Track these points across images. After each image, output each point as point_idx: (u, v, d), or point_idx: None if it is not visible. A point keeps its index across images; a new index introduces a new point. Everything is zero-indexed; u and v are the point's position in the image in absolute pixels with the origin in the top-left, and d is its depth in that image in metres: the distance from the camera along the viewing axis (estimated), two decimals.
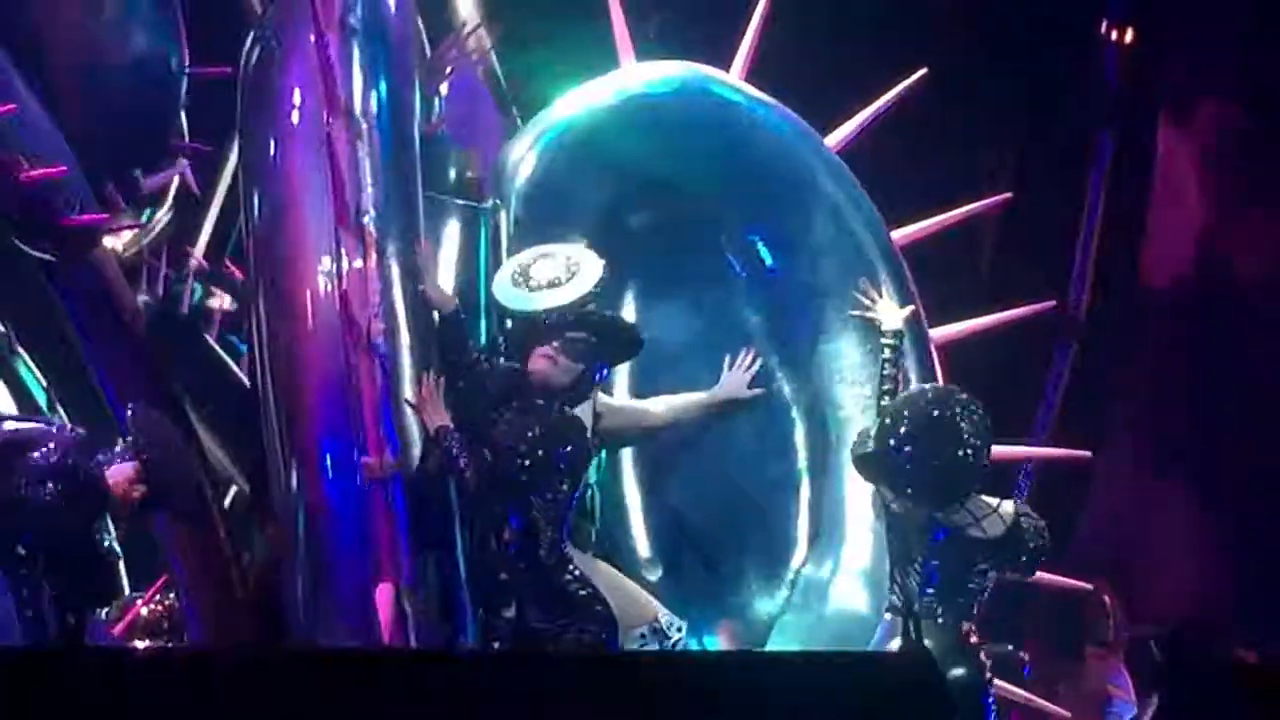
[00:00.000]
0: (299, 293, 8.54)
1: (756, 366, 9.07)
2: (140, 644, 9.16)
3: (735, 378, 9.04)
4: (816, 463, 9.37)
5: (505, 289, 8.60)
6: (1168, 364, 11.71)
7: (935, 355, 9.42)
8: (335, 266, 8.45)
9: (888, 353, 8.55)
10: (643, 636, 8.43)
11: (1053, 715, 9.41)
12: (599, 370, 8.53)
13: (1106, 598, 10.03)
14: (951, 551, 8.31)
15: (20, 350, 9.64)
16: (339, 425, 8.43)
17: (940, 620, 8.36)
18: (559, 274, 8.61)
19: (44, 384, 9.65)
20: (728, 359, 9.06)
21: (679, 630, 8.54)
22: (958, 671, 8.35)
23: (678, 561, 9.24)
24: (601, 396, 8.75)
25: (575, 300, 8.52)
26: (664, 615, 8.54)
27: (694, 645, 9.07)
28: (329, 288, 8.46)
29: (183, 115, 9.48)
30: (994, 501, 8.37)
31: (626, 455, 9.37)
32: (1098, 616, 10.11)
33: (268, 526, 8.87)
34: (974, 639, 8.53)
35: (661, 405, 8.98)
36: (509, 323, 8.71)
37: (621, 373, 9.33)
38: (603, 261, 8.68)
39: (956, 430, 8.19)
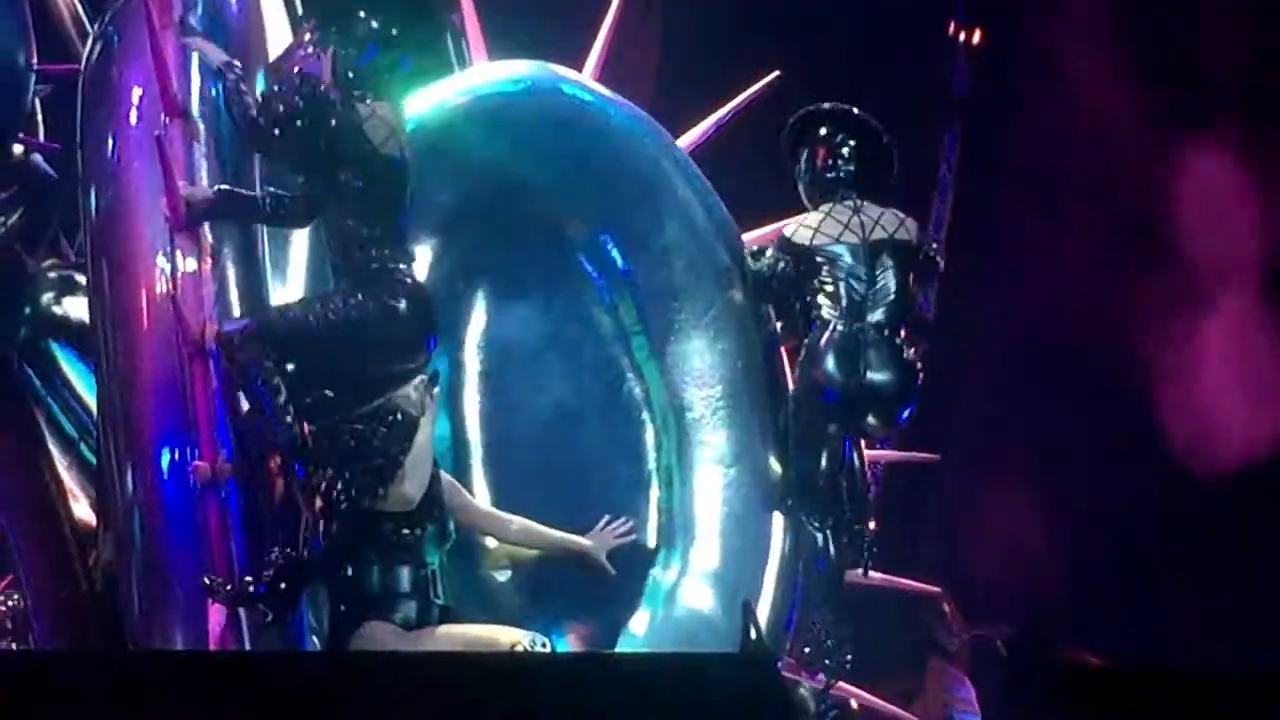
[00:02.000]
0: (134, 295, 8.45)
1: (631, 539, 9.13)
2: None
3: (604, 538, 9.10)
4: (666, 465, 9.39)
5: None
6: (1006, 368, 11.81)
7: (786, 359, 9.45)
8: (170, 268, 8.34)
9: None
10: None
11: (897, 717, 9.45)
12: None
13: (946, 605, 10.07)
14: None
15: None
16: (173, 428, 8.33)
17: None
18: None
19: None
20: (604, 520, 9.08)
21: (544, 646, 8.47)
22: None
23: (529, 569, 9.15)
24: (461, 495, 8.77)
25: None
26: (525, 638, 8.47)
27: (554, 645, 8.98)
28: (164, 290, 8.35)
29: (39, 111, 9.35)
30: None
31: (476, 452, 9.27)
32: (938, 625, 10.14)
33: (113, 526, 8.70)
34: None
35: (517, 526, 8.99)
36: None
37: (472, 376, 9.32)
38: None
39: None
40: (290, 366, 8.27)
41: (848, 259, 9.16)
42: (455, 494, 8.81)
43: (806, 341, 9.21)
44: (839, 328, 9.11)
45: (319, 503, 8.36)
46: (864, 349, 9.11)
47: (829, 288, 9.14)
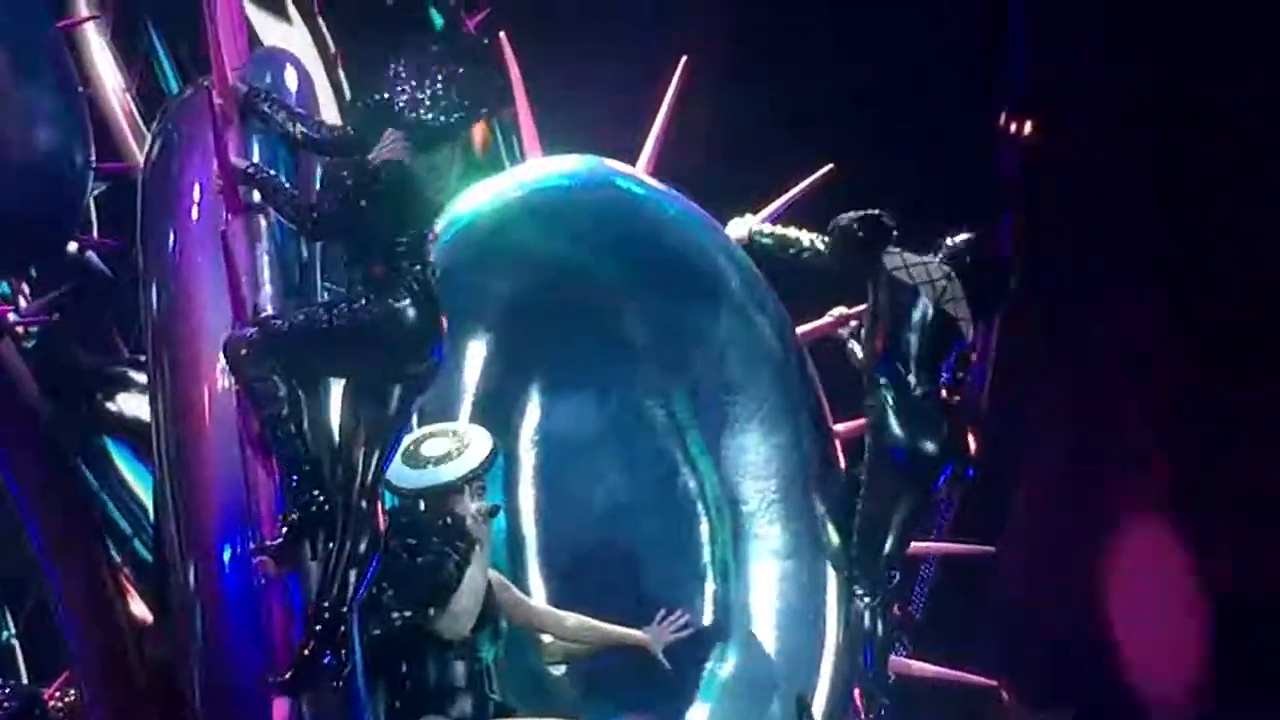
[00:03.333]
0: (196, 389, 8.38)
1: (687, 632, 9.12)
2: None
3: (660, 632, 9.12)
4: (721, 558, 9.43)
5: (395, 467, 8.51)
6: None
7: (839, 447, 9.47)
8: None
9: None
10: None
11: None
12: None
13: (1005, 694, 10.04)
14: None
15: None
16: (235, 522, 8.23)
17: None
18: (449, 449, 8.67)
19: None
20: (661, 613, 9.09)
21: None
22: None
23: (587, 660, 9.14)
24: (514, 593, 8.81)
25: (464, 475, 8.60)
26: None
27: None
28: (226, 385, 8.28)
29: (93, 206, 9.45)
30: None
31: (532, 546, 9.34)
32: (998, 710, 10.13)
33: (167, 619, 8.64)
34: None
35: (573, 621, 9.00)
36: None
37: (527, 470, 9.39)
38: (491, 440, 8.74)
39: None
40: (296, 380, 8.15)
41: (918, 314, 9.15)
42: (507, 591, 8.87)
43: (870, 404, 9.19)
44: (904, 393, 9.12)
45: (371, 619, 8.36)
46: (931, 412, 9.11)
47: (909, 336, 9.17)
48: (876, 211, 9.24)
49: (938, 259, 9.28)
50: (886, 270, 9.20)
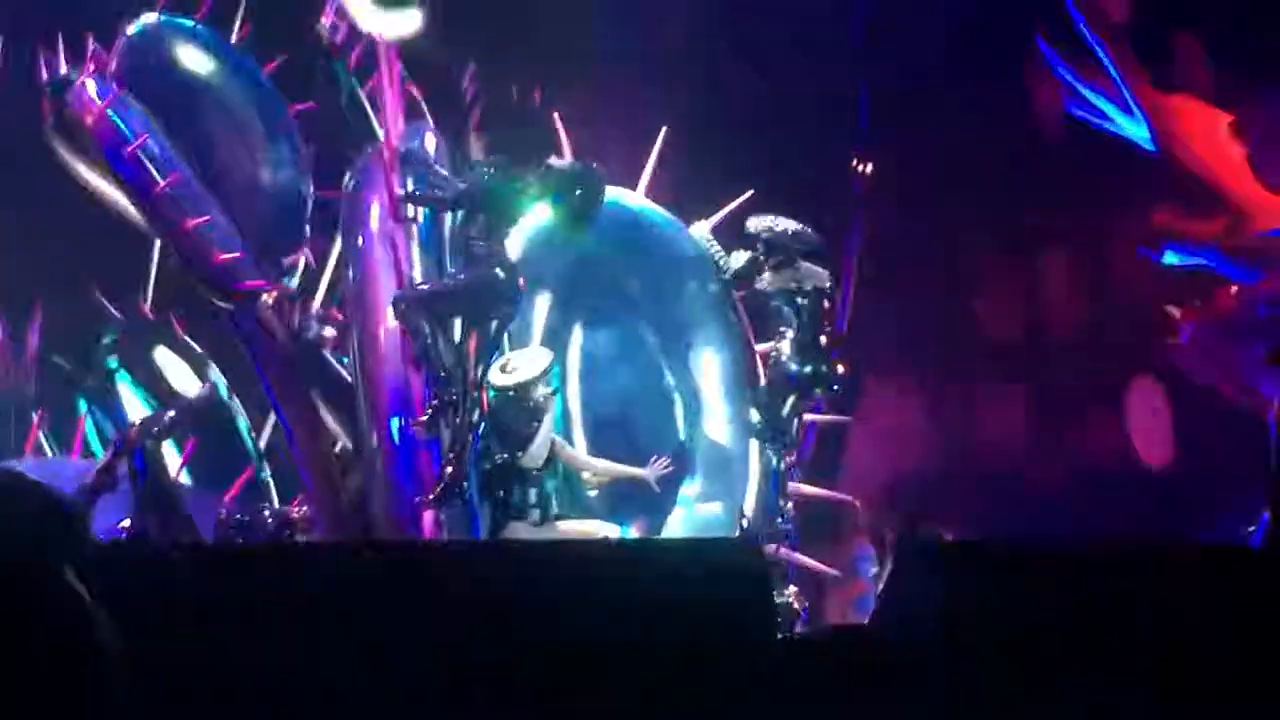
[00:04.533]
0: (376, 330, 8.89)
1: (669, 470, 9.08)
2: (300, 537, 9.00)
3: (654, 470, 9.05)
4: (689, 425, 9.54)
5: (494, 374, 8.69)
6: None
7: (759, 359, 9.38)
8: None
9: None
10: None
11: (824, 572, 9.60)
12: None
13: (856, 503, 10.10)
14: None
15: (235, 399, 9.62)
16: (400, 407, 8.76)
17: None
18: (528, 359, 8.87)
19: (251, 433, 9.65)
20: (654, 458, 9.04)
21: (619, 533, 8.75)
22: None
23: (611, 486, 9.25)
24: (567, 449, 8.92)
25: (536, 375, 8.72)
26: (610, 529, 8.79)
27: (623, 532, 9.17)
28: (393, 325, 8.80)
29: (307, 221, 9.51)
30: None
31: (576, 419, 9.40)
32: (852, 511, 10.19)
33: (361, 461, 9.07)
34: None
35: (601, 464, 9.08)
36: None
37: (573, 377, 9.43)
38: (551, 355, 8.84)
39: None
40: (436, 321, 8.41)
41: (794, 301, 9.18)
42: (563, 449, 8.95)
43: (775, 347, 9.22)
44: (794, 339, 9.15)
45: (485, 463, 8.60)
46: (811, 351, 9.14)
47: (786, 311, 9.15)
48: (745, 258, 9.26)
49: (789, 270, 9.19)
50: (762, 291, 9.29)
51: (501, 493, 8.68)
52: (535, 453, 8.66)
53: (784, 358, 9.15)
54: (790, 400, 9.13)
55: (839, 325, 9.45)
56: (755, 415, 9.31)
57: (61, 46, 8.95)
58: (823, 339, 9.18)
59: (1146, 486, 11.38)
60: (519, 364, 8.80)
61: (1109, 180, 11.43)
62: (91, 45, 8.99)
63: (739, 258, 9.25)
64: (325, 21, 9.04)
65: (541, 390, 8.71)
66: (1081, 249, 12.04)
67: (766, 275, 9.23)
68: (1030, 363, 12.07)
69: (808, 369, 9.09)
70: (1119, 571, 5.48)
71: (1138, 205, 11.19)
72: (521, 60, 9.92)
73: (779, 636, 6.56)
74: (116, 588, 4.26)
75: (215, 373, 9.67)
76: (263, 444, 9.72)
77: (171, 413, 9.01)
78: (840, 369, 9.19)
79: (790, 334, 9.15)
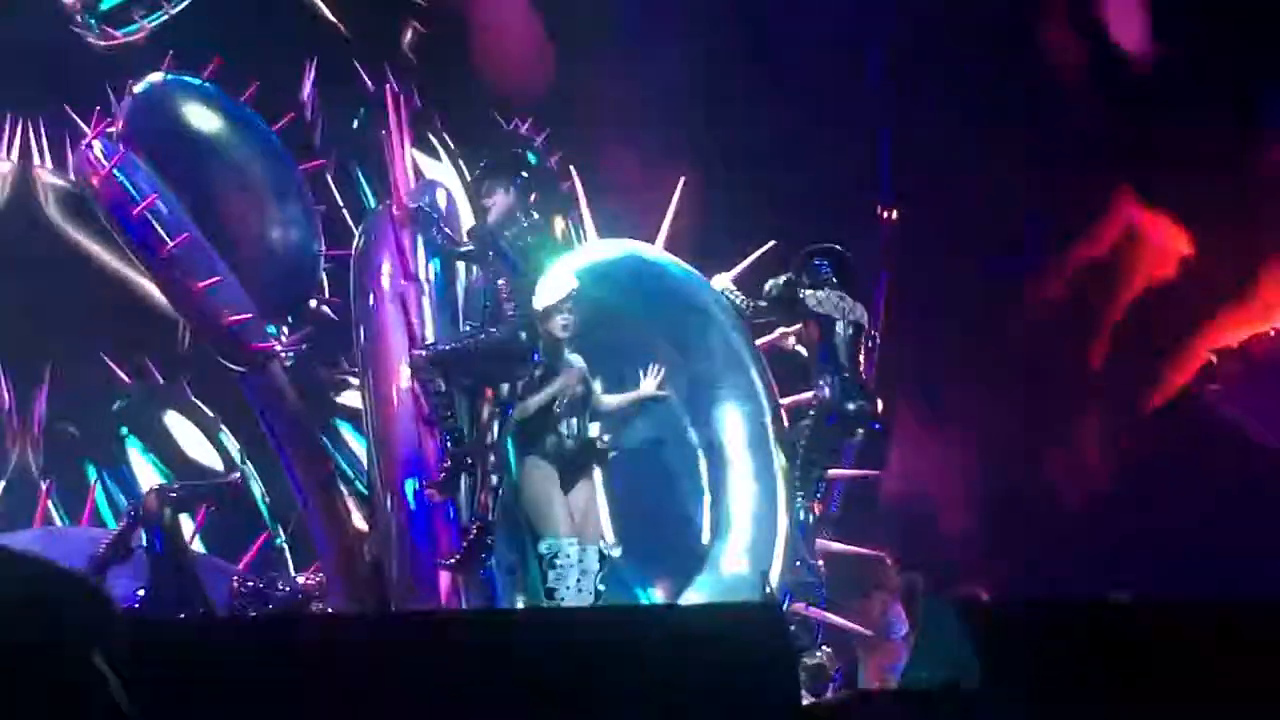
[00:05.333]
0: (389, 387, 8.69)
1: (661, 376, 9.09)
2: (315, 606, 8.96)
3: (649, 383, 9.11)
4: (713, 483, 9.43)
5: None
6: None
7: (784, 412, 9.41)
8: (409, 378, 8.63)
9: None
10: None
11: (855, 631, 9.48)
12: None
13: (889, 560, 10.00)
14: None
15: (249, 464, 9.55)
16: (414, 468, 8.57)
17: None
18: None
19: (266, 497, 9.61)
20: (651, 366, 9.07)
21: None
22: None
23: (633, 548, 9.16)
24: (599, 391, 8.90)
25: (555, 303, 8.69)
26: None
27: (641, 596, 9.14)
28: (406, 385, 8.63)
29: (323, 277, 9.42)
30: None
31: (598, 483, 9.13)
32: (883, 570, 10.05)
33: (376, 529, 8.88)
34: None
35: (614, 399, 9.06)
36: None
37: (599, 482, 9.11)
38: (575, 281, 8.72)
39: None
40: (451, 381, 8.30)
41: (839, 329, 9.15)
42: (592, 390, 8.81)
43: (816, 384, 9.14)
44: (835, 379, 9.09)
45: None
46: (852, 392, 9.10)
47: (832, 339, 9.11)
48: (784, 278, 9.28)
49: (836, 292, 9.26)
50: (809, 308, 9.26)
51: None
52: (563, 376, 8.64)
53: (827, 393, 9.10)
54: (827, 446, 9.14)
55: (869, 367, 9.33)
56: (782, 462, 9.24)
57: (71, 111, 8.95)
58: (861, 376, 9.16)
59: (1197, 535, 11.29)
60: (539, 289, 8.71)
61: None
62: (98, 107, 8.92)
63: (777, 281, 9.21)
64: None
65: (561, 319, 8.69)
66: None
67: (819, 293, 9.21)
68: (1064, 403, 12.00)
69: (850, 405, 9.06)
70: (1163, 629, 5.41)
71: None
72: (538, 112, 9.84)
73: (802, 703, 6.32)
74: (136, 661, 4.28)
75: (233, 446, 9.70)
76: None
77: (196, 487, 9.00)
78: (880, 407, 9.16)
79: (829, 371, 9.13)
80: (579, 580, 8.48)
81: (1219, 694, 5.15)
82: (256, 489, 9.79)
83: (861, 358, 9.18)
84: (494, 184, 8.70)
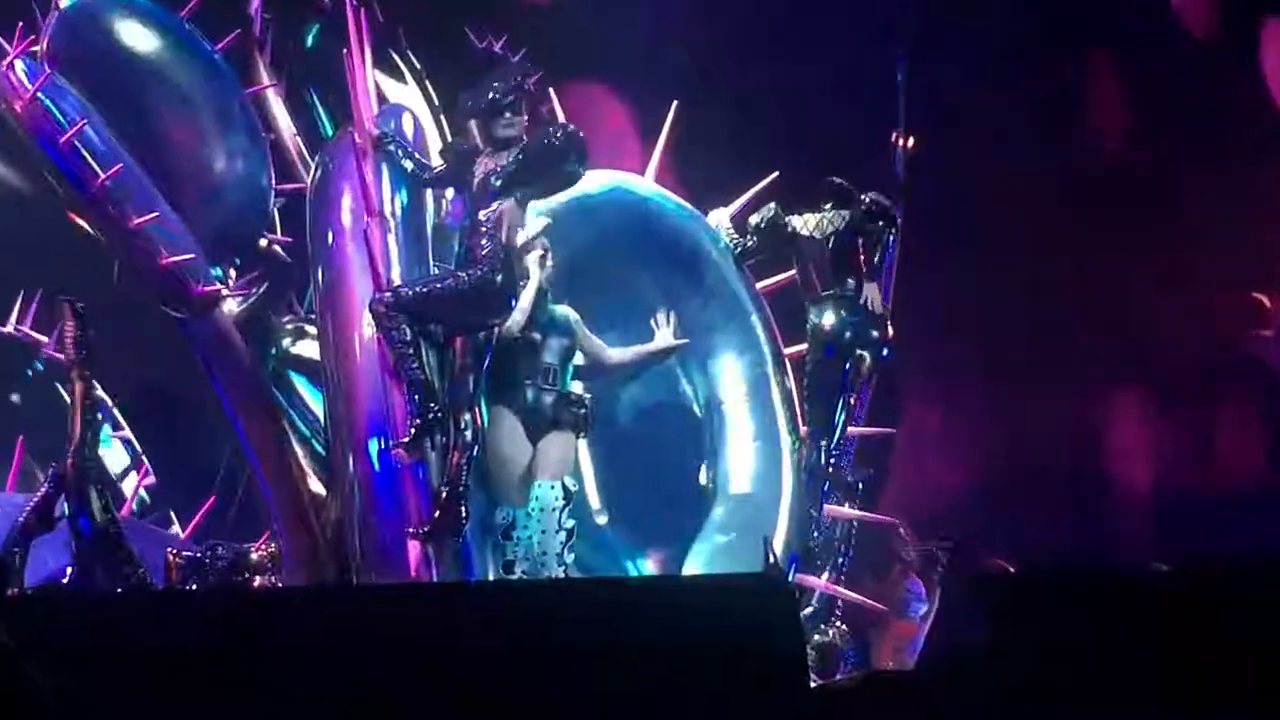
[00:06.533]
0: (350, 337, 8.26)
1: (674, 326, 8.77)
2: (255, 580, 8.51)
3: (664, 334, 8.75)
4: (710, 441, 9.10)
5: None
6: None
7: (786, 361, 9.09)
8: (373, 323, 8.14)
9: None
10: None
11: (872, 609, 9.19)
12: None
13: (903, 529, 9.72)
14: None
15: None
16: (378, 426, 8.13)
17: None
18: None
19: None
20: (661, 316, 8.75)
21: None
22: None
23: (623, 515, 8.93)
24: (589, 337, 8.57)
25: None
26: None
27: (632, 569, 8.83)
28: (370, 333, 8.18)
29: (276, 215, 9.04)
30: None
31: (583, 445, 8.79)
32: (899, 544, 9.78)
33: (335, 493, 8.48)
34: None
35: (624, 354, 8.71)
36: None
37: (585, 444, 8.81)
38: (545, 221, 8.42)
39: None
40: (419, 328, 7.96)
41: (831, 247, 8.88)
42: (587, 337, 8.54)
43: (810, 320, 8.87)
44: (826, 303, 8.80)
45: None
46: (851, 314, 8.81)
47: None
48: (771, 207, 8.93)
49: (830, 209, 8.90)
50: (798, 233, 8.89)
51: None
52: (518, 319, 8.32)
53: (820, 328, 8.82)
54: (832, 383, 8.80)
55: (886, 279, 9.02)
56: (785, 416, 8.95)
57: None
58: (873, 301, 8.86)
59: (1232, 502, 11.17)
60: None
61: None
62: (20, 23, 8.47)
63: (765, 212, 8.96)
64: None
65: (535, 257, 8.39)
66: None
67: (806, 216, 8.91)
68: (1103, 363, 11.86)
69: (847, 333, 8.79)
70: (1192, 599, 5.38)
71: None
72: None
73: (813, 682, 6.41)
74: (49, 636, 4.39)
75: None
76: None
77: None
78: (890, 332, 8.83)
79: (825, 298, 8.83)
80: (540, 524, 8.16)
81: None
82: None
83: (865, 275, 8.88)
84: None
